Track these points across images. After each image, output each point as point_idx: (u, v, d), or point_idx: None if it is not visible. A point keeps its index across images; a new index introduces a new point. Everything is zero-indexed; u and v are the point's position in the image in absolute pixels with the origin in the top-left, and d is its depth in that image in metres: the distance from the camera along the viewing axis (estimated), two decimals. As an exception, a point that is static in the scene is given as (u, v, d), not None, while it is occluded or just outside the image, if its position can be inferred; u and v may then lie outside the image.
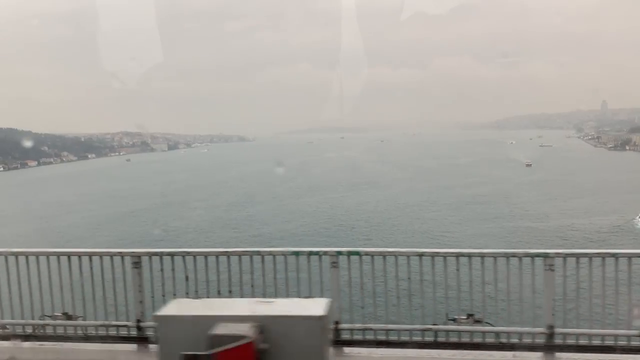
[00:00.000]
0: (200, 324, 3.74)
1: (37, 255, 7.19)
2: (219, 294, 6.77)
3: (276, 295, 6.70)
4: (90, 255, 7.13)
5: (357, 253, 6.69)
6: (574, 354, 6.37)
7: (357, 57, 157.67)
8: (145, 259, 7.00)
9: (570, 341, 6.45)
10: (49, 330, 7.27)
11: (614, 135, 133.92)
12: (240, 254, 6.89)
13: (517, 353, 6.41)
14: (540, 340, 6.44)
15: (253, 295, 6.58)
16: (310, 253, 6.76)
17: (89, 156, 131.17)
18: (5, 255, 7.29)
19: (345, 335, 6.77)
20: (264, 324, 3.75)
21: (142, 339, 6.99)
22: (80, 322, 7.17)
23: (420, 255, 6.58)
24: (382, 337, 6.76)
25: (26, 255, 7.19)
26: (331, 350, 4.02)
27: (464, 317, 6.59)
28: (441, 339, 6.66)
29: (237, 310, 4.14)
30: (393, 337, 6.78)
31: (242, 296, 6.67)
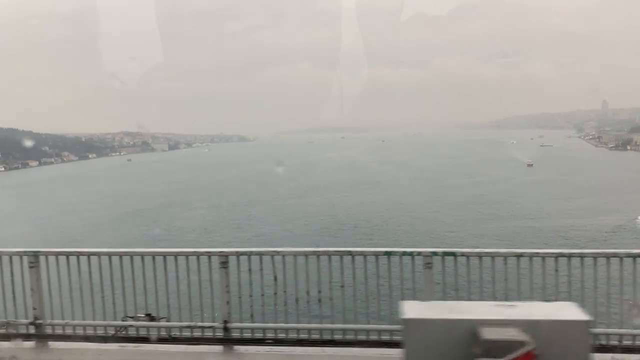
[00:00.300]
0: (455, 328, 3.83)
1: (120, 255, 7.02)
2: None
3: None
4: (176, 255, 6.98)
5: (452, 254, 6.53)
6: None
7: (357, 57, 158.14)
8: (232, 259, 6.88)
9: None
10: (132, 332, 7.15)
11: (615, 135, 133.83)
12: (331, 254, 6.80)
13: None
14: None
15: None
16: (404, 253, 6.62)
17: (90, 156, 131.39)
18: (88, 255, 7.10)
19: None
20: (528, 328, 3.71)
21: (228, 340, 6.87)
22: (163, 323, 7.06)
23: (519, 256, 6.37)
24: None
25: (109, 255, 7.03)
26: (592, 356, 3.91)
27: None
28: None
29: (492, 314, 4.02)
30: None
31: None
